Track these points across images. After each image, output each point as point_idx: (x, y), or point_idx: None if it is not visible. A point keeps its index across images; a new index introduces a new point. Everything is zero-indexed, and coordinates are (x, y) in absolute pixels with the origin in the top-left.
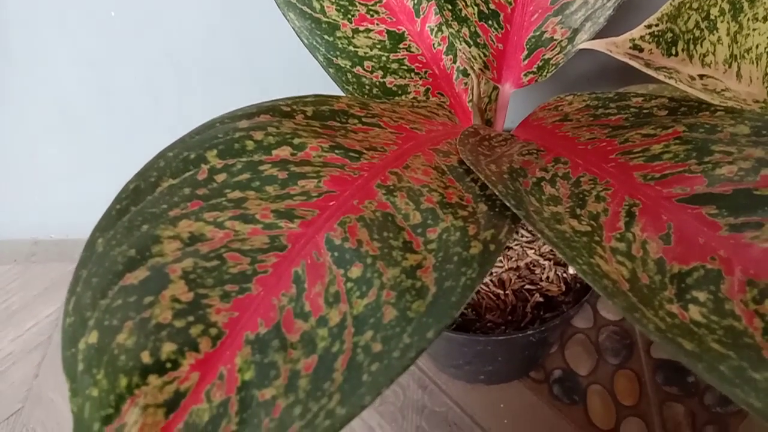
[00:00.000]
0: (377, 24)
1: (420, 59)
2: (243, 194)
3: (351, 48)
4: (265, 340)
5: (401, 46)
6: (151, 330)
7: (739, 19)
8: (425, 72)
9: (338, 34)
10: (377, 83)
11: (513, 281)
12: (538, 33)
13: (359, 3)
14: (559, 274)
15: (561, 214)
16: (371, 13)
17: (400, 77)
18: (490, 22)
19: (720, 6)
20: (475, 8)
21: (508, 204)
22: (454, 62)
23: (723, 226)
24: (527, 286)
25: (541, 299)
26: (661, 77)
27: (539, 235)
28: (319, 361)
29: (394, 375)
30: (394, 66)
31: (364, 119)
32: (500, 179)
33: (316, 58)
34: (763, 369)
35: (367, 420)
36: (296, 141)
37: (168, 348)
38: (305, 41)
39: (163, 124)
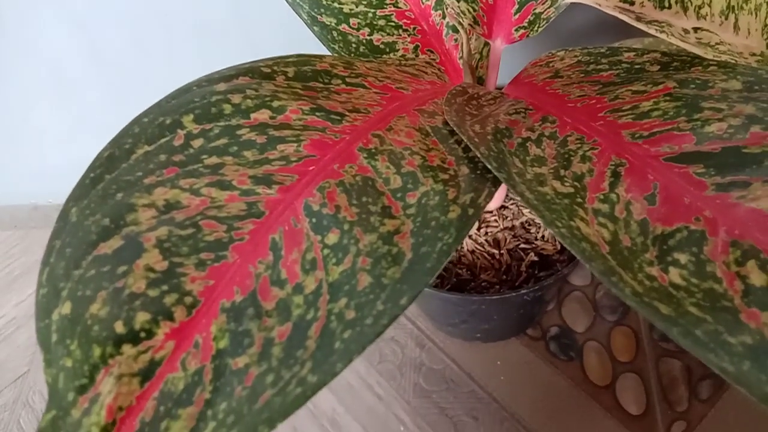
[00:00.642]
0: None
1: (408, 15)
2: (220, 160)
3: (336, 4)
4: (241, 308)
5: (388, 1)
6: (125, 300)
7: None
8: (413, 28)
9: None
10: (364, 41)
11: (508, 241)
12: None
13: None
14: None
15: (544, 175)
16: None
17: (388, 34)
18: None
19: None
20: None
21: (489, 166)
22: (444, 18)
23: (710, 185)
24: (522, 246)
25: (536, 258)
26: (652, 31)
27: (519, 198)
28: (294, 328)
29: (366, 342)
30: (381, 23)
31: (347, 79)
32: (483, 140)
33: (300, 16)
34: (739, 333)
35: (366, 378)
36: (276, 104)
37: (142, 317)
38: None
39: (154, 84)
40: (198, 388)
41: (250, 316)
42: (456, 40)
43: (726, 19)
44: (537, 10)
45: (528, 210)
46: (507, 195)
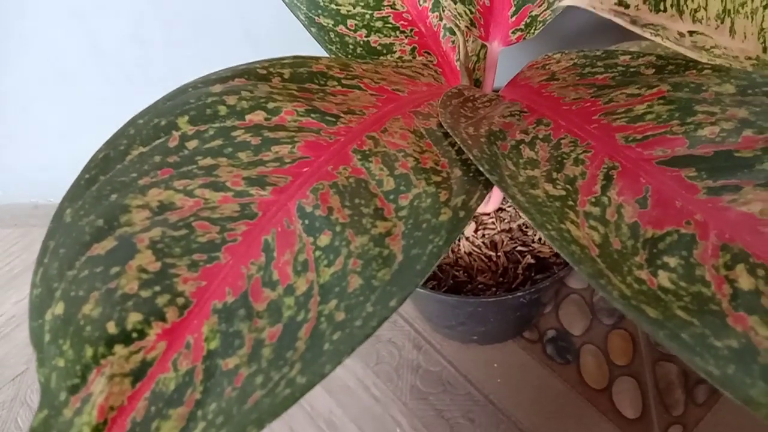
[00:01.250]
0: None
1: (405, 17)
2: (214, 161)
3: (333, 6)
4: (232, 309)
5: (385, 3)
6: (117, 300)
7: None
8: (411, 30)
9: None
10: (361, 42)
11: (505, 243)
12: None
13: None
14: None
15: (536, 178)
16: None
17: (385, 36)
18: None
19: None
20: None
21: (481, 168)
22: (441, 20)
23: (701, 189)
24: (519, 248)
25: (532, 261)
26: (646, 35)
27: (510, 201)
28: (284, 329)
29: (355, 344)
30: (379, 24)
31: (343, 81)
32: (476, 143)
33: (297, 17)
34: (725, 336)
35: (363, 379)
36: (271, 105)
37: (134, 318)
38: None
39: (153, 77)
40: (189, 388)
41: (242, 317)
42: (453, 42)
43: (722, 22)
44: (533, 13)
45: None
46: (504, 198)
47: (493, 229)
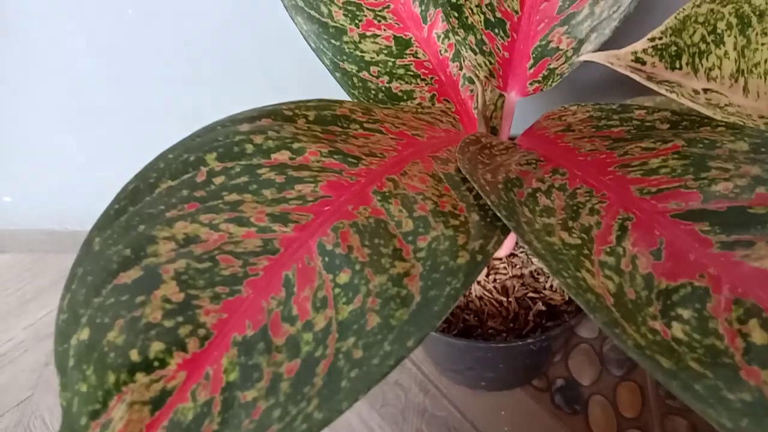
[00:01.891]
0: (384, 30)
1: (426, 65)
2: (240, 197)
3: (357, 53)
4: (252, 343)
5: (408, 52)
6: (141, 329)
7: (747, 33)
8: (431, 78)
9: (345, 38)
10: (383, 88)
11: (516, 288)
12: (544, 42)
13: (367, 8)
14: (560, 285)
15: (553, 225)
16: (379, 18)
17: (406, 83)
18: (496, 31)
19: (727, 20)
20: (482, 16)
21: (498, 214)
22: (461, 69)
23: (715, 243)
24: (530, 294)
25: (543, 308)
26: (662, 91)
27: (527, 247)
28: (302, 365)
29: (372, 382)
30: (401, 71)
31: (365, 125)
32: (494, 189)
33: (323, 62)
34: (738, 389)
35: (368, 421)
36: (296, 145)
37: (156, 347)
38: (312, 45)
39: (176, 115)
40: (206, 419)
41: (261, 350)
42: (472, 90)
43: (735, 81)
44: (551, 66)
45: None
46: (516, 243)
47: (505, 274)
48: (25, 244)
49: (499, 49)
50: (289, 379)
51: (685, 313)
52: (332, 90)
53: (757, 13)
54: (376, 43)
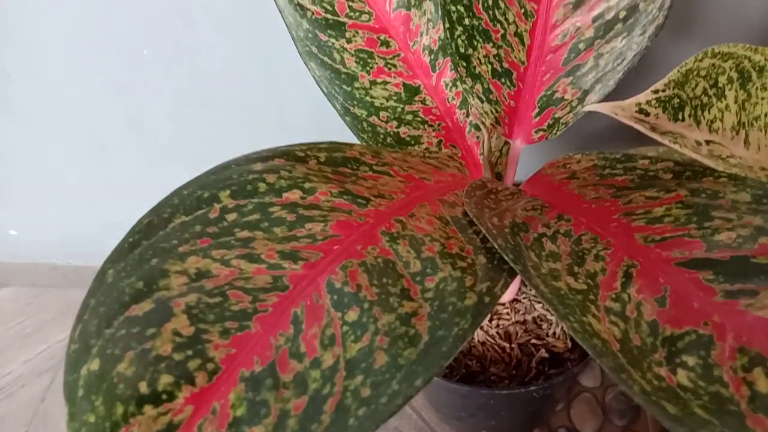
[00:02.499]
0: (394, 77)
1: (434, 112)
2: (251, 234)
3: (368, 98)
4: (259, 378)
5: (416, 98)
6: (151, 361)
7: (747, 87)
8: (438, 124)
9: (356, 84)
10: (391, 133)
11: (519, 335)
12: (549, 92)
13: (378, 56)
14: (566, 330)
15: (558, 270)
16: (389, 66)
17: (414, 128)
18: (503, 80)
19: (728, 74)
20: (489, 66)
21: (506, 258)
22: (467, 116)
23: (718, 291)
24: (533, 341)
25: (546, 355)
26: (666, 142)
27: (534, 291)
28: (309, 402)
29: (379, 420)
30: (409, 117)
31: (375, 167)
32: (501, 233)
33: (334, 106)
34: None
35: None
36: (307, 185)
37: (165, 380)
38: (324, 90)
39: (185, 155)
40: None
41: (268, 386)
42: (478, 137)
43: (737, 134)
44: (556, 115)
45: (540, 305)
46: (520, 288)
47: (508, 319)
48: (27, 277)
49: (505, 97)
50: (297, 416)
51: (690, 360)
52: (341, 131)
53: (757, 68)
54: (386, 89)
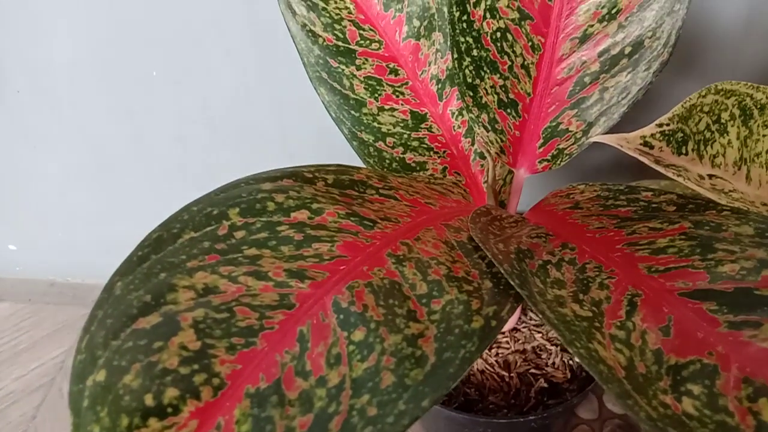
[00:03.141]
0: (402, 104)
1: (440, 139)
2: (259, 252)
3: (375, 124)
4: (265, 395)
5: (423, 126)
6: (157, 374)
7: (749, 124)
8: (444, 152)
9: (364, 110)
10: (397, 158)
11: (519, 364)
12: (554, 123)
13: (386, 84)
14: (566, 360)
15: (564, 297)
16: (397, 93)
17: (420, 155)
18: (508, 110)
19: (731, 111)
20: (495, 96)
21: (512, 283)
22: (473, 145)
23: (722, 322)
24: (532, 370)
25: (545, 385)
26: (670, 174)
27: (540, 316)
28: (315, 420)
29: None
30: (415, 144)
31: (381, 191)
32: (507, 258)
33: (342, 131)
34: None
35: None
36: (315, 206)
37: (171, 393)
38: (333, 114)
39: (190, 177)
40: None
41: (273, 403)
42: (482, 165)
43: (739, 169)
44: (560, 146)
45: (540, 335)
46: (519, 318)
47: (508, 348)
48: (24, 293)
49: (510, 127)
50: None
51: (695, 389)
52: (345, 156)
53: (759, 106)
54: (394, 116)
